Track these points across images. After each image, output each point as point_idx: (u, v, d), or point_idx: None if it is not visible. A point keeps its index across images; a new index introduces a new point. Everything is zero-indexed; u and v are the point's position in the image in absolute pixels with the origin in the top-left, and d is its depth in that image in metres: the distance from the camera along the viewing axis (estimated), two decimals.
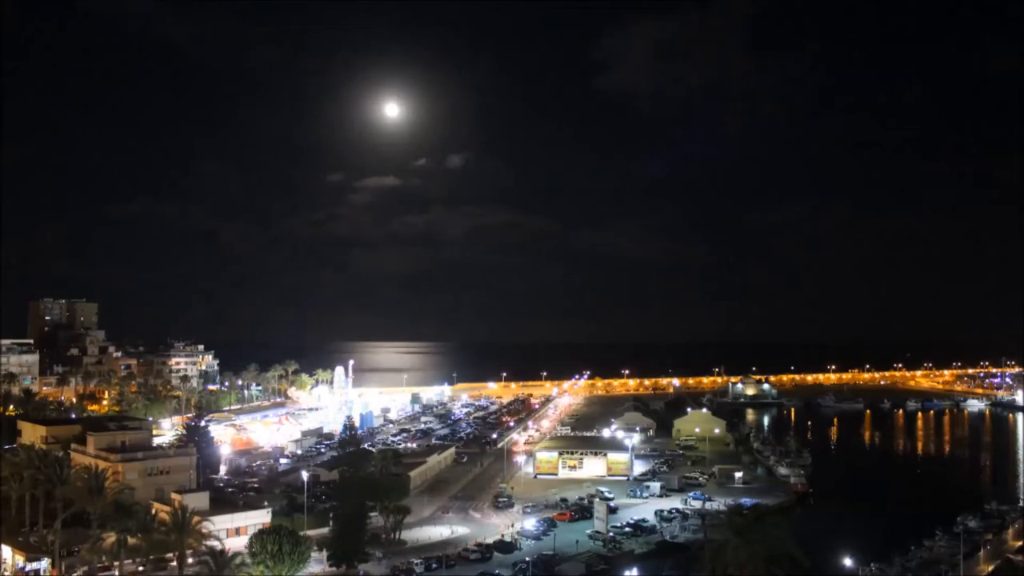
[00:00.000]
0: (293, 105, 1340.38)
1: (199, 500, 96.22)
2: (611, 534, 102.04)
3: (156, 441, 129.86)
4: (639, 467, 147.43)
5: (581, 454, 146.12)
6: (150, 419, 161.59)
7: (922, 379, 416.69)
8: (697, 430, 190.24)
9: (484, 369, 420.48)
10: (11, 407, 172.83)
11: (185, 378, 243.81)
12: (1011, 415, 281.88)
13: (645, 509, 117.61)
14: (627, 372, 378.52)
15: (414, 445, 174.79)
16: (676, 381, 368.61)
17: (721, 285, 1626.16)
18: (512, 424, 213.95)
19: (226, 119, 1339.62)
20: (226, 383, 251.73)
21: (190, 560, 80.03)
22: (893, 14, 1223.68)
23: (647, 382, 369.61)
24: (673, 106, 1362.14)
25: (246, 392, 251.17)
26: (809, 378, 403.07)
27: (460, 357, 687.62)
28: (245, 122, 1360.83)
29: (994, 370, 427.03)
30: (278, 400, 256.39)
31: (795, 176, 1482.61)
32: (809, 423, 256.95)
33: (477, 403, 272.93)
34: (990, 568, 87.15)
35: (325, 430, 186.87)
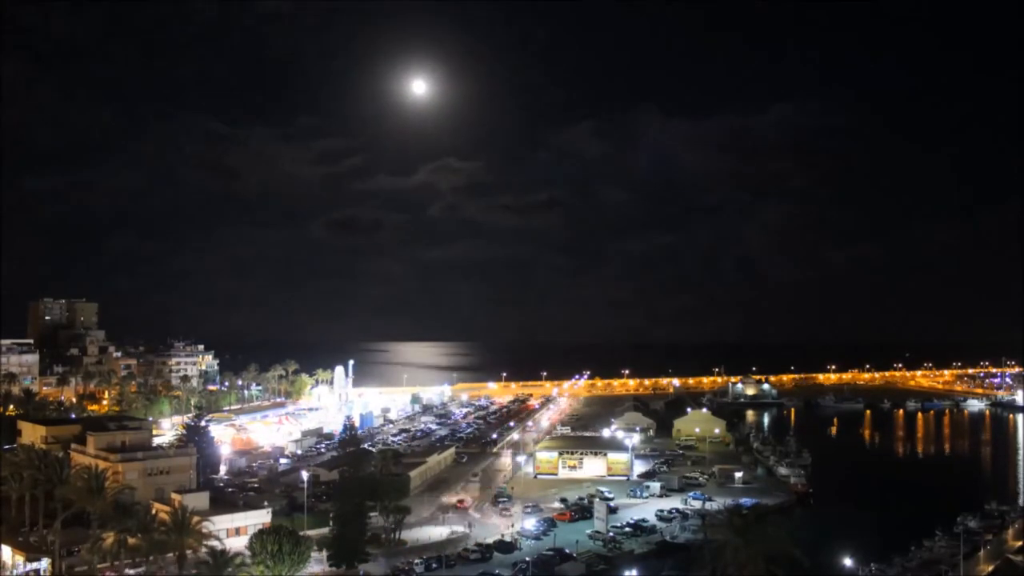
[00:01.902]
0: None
1: (199, 500, 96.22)
2: (611, 534, 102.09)
3: (156, 441, 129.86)
4: (639, 467, 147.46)
5: (581, 454, 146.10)
6: (150, 419, 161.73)
7: (922, 379, 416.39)
8: (697, 430, 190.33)
9: (484, 369, 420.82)
10: (11, 407, 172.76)
11: (185, 378, 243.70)
12: (1011, 415, 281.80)
13: (645, 509, 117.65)
14: (627, 372, 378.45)
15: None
16: (676, 381, 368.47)
17: (722, 285, 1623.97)
18: (512, 424, 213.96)
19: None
20: (226, 383, 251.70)
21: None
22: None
23: (647, 382, 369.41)
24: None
25: (246, 392, 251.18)
26: (809, 378, 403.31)
27: (463, 358, 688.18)
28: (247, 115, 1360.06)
29: (994, 370, 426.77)
30: (278, 400, 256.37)
31: (790, 174, 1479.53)
32: (809, 423, 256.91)
33: (477, 403, 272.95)
34: (990, 568, 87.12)
35: (325, 430, 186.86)
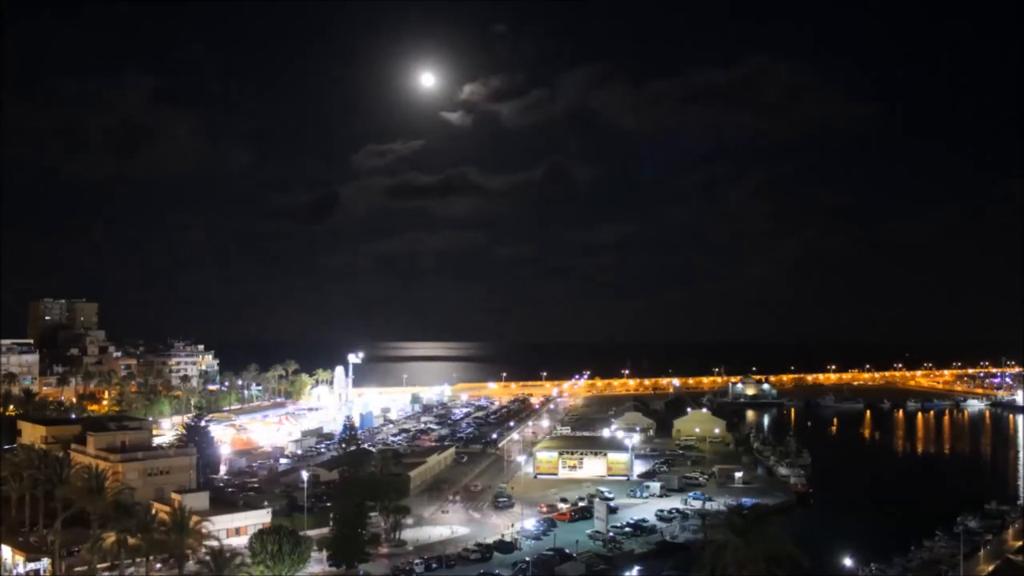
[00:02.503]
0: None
1: (199, 500, 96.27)
2: (611, 534, 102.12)
3: (156, 441, 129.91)
4: (639, 467, 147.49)
5: (581, 454, 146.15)
6: (150, 419, 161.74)
7: (922, 379, 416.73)
8: (697, 430, 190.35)
9: (485, 369, 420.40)
10: (11, 407, 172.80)
11: (185, 378, 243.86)
12: (1011, 415, 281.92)
13: (645, 509, 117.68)
14: (627, 372, 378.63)
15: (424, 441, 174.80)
16: (676, 381, 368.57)
17: (721, 285, 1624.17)
18: (512, 424, 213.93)
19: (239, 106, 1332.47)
20: (226, 383, 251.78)
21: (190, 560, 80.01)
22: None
23: (647, 382, 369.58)
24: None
25: (246, 392, 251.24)
26: (809, 378, 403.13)
27: (465, 358, 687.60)
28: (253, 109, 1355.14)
29: (994, 370, 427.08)
30: (278, 400, 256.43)
31: (790, 173, 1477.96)
32: (809, 423, 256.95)
33: (477, 403, 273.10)
34: (990, 568, 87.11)
35: (325, 430, 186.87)
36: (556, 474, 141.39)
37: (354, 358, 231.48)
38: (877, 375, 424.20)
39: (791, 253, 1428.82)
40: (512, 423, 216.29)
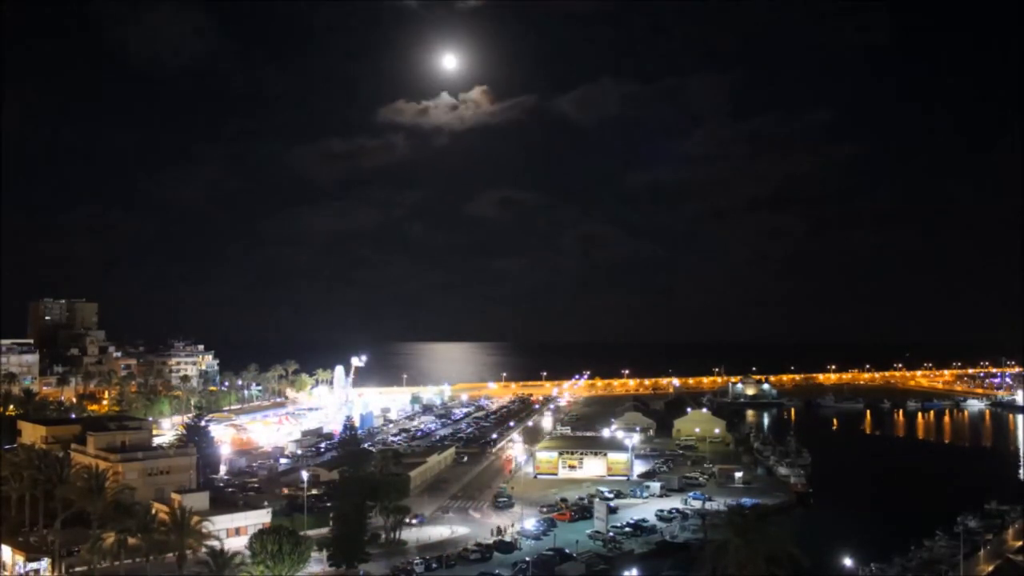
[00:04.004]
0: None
1: (199, 500, 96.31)
2: (611, 534, 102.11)
3: (156, 441, 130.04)
4: (639, 467, 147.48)
5: (581, 454, 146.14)
6: (150, 419, 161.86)
7: (922, 379, 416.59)
8: (697, 430, 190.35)
9: (484, 369, 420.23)
10: (11, 407, 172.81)
11: (185, 378, 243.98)
12: (1011, 415, 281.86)
13: (645, 509, 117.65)
14: (627, 372, 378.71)
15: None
16: (676, 381, 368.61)
17: (720, 285, 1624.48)
18: (512, 424, 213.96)
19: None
20: (226, 383, 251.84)
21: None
22: None
23: (647, 382, 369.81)
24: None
25: (246, 392, 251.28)
26: (809, 378, 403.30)
27: (465, 357, 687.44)
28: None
29: (994, 370, 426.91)
30: (278, 400, 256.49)
31: (791, 174, 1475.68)
32: (809, 423, 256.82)
33: (477, 403, 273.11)
34: (990, 568, 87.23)
35: (325, 430, 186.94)
36: (556, 474, 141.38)
37: (357, 361, 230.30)
38: (877, 375, 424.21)
39: (790, 252, 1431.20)
40: (512, 423, 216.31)
